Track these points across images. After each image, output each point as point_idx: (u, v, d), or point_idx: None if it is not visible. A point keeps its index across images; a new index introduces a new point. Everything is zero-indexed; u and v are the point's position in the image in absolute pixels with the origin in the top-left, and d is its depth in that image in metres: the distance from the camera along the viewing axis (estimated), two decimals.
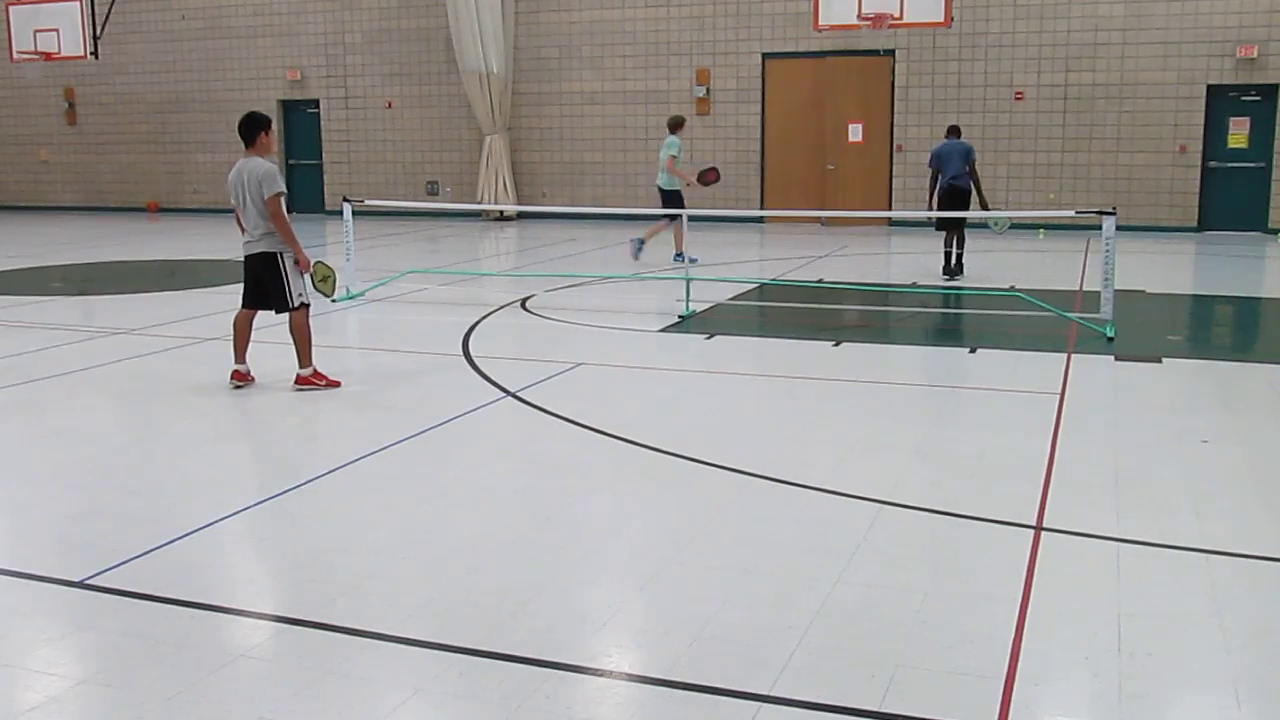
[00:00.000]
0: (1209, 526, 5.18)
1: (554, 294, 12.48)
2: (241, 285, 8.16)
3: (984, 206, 14.20)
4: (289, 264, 7.91)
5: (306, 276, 8.05)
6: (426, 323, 11.28)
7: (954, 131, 14.49)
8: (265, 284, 7.93)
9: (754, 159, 20.94)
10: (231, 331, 8.14)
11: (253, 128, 7.90)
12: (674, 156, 14.98)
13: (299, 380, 7.99)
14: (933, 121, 19.78)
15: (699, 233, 16.17)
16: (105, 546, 5.00)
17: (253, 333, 8.13)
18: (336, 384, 8.05)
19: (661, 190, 15.33)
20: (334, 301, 8.16)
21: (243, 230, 7.98)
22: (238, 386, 8.00)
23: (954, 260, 13.77)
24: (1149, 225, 18.50)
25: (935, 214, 13.67)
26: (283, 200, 7.85)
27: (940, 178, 13.85)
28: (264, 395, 7.90)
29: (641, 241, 15.09)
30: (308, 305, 8.03)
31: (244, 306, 8.10)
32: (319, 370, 8.03)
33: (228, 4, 24.24)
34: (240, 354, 8.06)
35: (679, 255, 14.52)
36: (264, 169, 7.79)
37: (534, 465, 6.40)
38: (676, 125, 15.30)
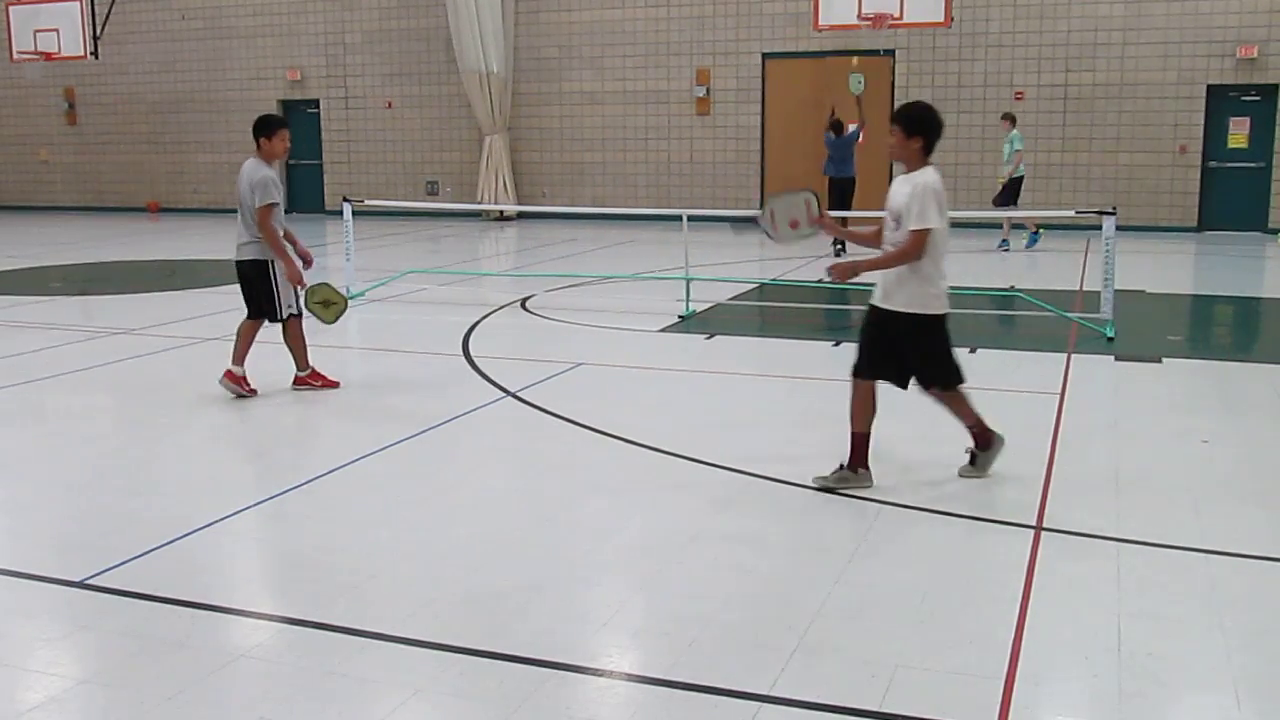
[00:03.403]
0: (1209, 526, 5.18)
1: (554, 294, 12.47)
2: (240, 292, 7.93)
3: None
4: (280, 273, 7.68)
5: (300, 290, 7.82)
6: (426, 323, 11.28)
7: (838, 127, 16.47)
8: (255, 290, 7.73)
9: (754, 159, 20.94)
10: (236, 335, 7.86)
11: (256, 131, 7.73)
12: (1019, 151, 16.25)
13: (297, 381, 7.95)
14: None
15: (699, 233, 16.18)
16: (105, 546, 5.00)
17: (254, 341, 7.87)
18: (335, 384, 8.00)
19: (1009, 181, 16.39)
20: (328, 323, 8.01)
21: None
22: (228, 388, 7.69)
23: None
24: (1149, 225, 18.50)
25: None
26: (276, 211, 7.58)
27: (830, 167, 16.12)
28: (264, 396, 7.89)
29: (1019, 239, 16.58)
30: (297, 316, 7.83)
31: (249, 317, 7.85)
32: (316, 370, 7.99)
33: (228, 4, 24.24)
34: (238, 356, 7.77)
35: (1005, 241, 16.51)
36: (260, 176, 7.56)
37: (534, 465, 6.40)
38: (1015, 119, 16.61)
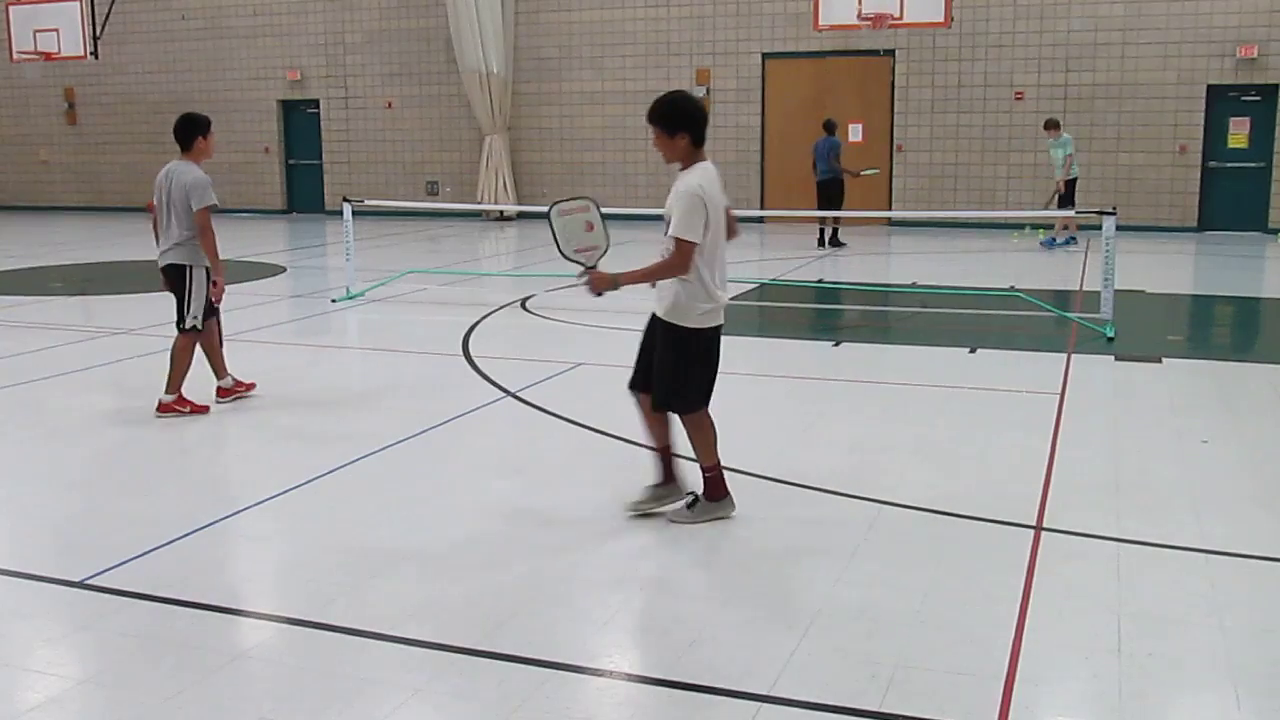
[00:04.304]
0: (1209, 526, 5.18)
1: (554, 294, 12.47)
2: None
3: (855, 174, 17.32)
4: (196, 280, 7.31)
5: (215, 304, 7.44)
6: (426, 323, 11.28)
7: (828, 127, 17.28)
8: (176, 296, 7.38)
9: (754, 159, 20.95)
10: (203, 353, 7.57)
11: (189, 131, 7.37)
12: (1071, 155, 16.68)
13: (161, 407, 7.32)
14: (933, 121, 19.79)
15: None
16: (105, 546, 5.00)
17: (224, 340, 7.71)
18: (204, 409, 7.42)
19: (1064, 184, 16.78)
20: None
21: (157, 236, 7.45)
22: (229, 400, 7.57)
23: (833, 235, 17.28)
24: (1149, 225, 18.50)
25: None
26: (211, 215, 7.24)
27: (815, 172, 17.04)
28: (261, 396, 7.89)
29: (1068, 239, 16.98)
30: (198, 330, 7.39)
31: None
32: (184, 396, 7.39)
33: (228, 4, 24.24)
34: (220, 370, 7.63)
35: (1071, 239, 16.94)
36: (194, 177, 7.23)
37: (534, 465, 6.40)
38: (1058, 125, 16.97)
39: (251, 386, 7.75)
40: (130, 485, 6.07)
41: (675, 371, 5.13)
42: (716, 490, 5.29)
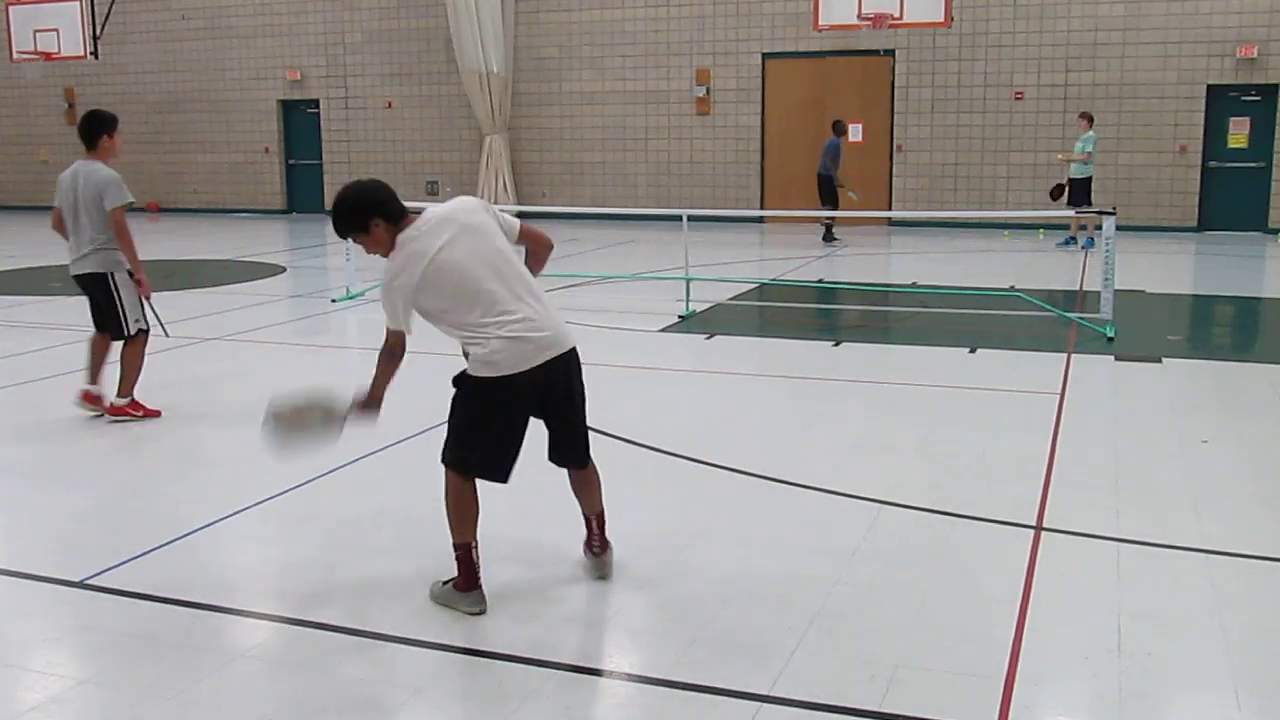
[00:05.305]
0: (1209, 526, 5.18)
1: (554, 294, 12.43)
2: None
3: (839, 185, 17.85)
4: (122, 285, 7.13)
5: (146, 302, 7.28)
6: (427, 322, 11.26)
7: (836, 129, 17.83)
8: (101, 307, 7.20)
9: (754, 159, 20.94)
10: (87, 350, 7.39)
11: (93, 128, 7.05)
12: (1089, 152, 16.63)
13: (113, 410, 7.20)
14: (933, 121, 19.79)
15: (699, 233, 16.18)
16: (105, 546, 5.00)
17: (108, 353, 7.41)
18: (156, 413, 7.29)
19: (1075, 180, 16.73)
20: (168, 335, 7.77)
21: (65, 237, 7.17)
22: (85, 407, 7.25)
23: (829, 231, 17.87)
24: (1149, 225, 18.50)
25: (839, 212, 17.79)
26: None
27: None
28: (266, 394, 7.87)
29: (1068, 239, 17.06)
30: (146, 332, 7.30)
31: (98, 330, 7.36)
32: (137, 400, 7.28)
33: (228, 4, 24.24)
34: (93, 375, 7.32)
35: (1073, 239, 16.95)
36: (104, 176, 6.95)
37: (532, 465, 6.38)
38: (1093, 119, 17.00)
39: (104, 404, 7.37)
40: (130, 485, 6.07)
41: (460, 424, 4.76)
42: (604, 542, 4.76)
